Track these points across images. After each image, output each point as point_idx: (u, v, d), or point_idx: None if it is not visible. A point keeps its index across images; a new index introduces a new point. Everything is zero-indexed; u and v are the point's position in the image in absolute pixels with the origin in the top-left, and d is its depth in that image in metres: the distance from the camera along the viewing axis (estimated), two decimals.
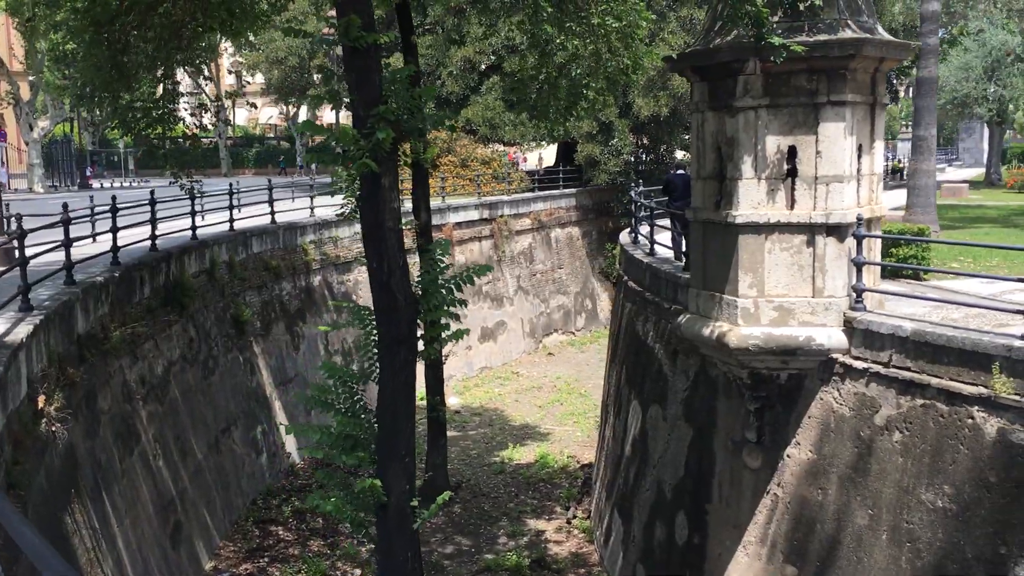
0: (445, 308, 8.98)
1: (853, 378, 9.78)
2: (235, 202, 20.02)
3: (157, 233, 15.92)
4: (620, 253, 18.35)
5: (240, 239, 19.63)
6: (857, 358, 9.77)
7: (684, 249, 15.53)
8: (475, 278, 9.10)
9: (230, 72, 70.23)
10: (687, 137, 41.51)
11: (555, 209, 35.67)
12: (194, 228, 17.71)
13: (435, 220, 27.95)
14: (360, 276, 25.11)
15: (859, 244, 9.99)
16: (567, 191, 37.24)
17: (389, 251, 8.19)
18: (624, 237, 19.06)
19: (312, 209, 23.85)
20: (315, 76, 45.64)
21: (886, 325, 9.41)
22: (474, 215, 31.07)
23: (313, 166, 61.08)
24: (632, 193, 20.49)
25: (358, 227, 25.32)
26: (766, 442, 10.83)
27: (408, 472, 8.65)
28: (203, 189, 15.69)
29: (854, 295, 10.01)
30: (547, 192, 35.90)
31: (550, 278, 35.05)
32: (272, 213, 21.75)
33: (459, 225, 29.67)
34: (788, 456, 10.54)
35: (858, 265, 9.99)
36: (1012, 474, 8.04)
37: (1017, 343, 8.14)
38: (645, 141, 39.23)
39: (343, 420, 8.26)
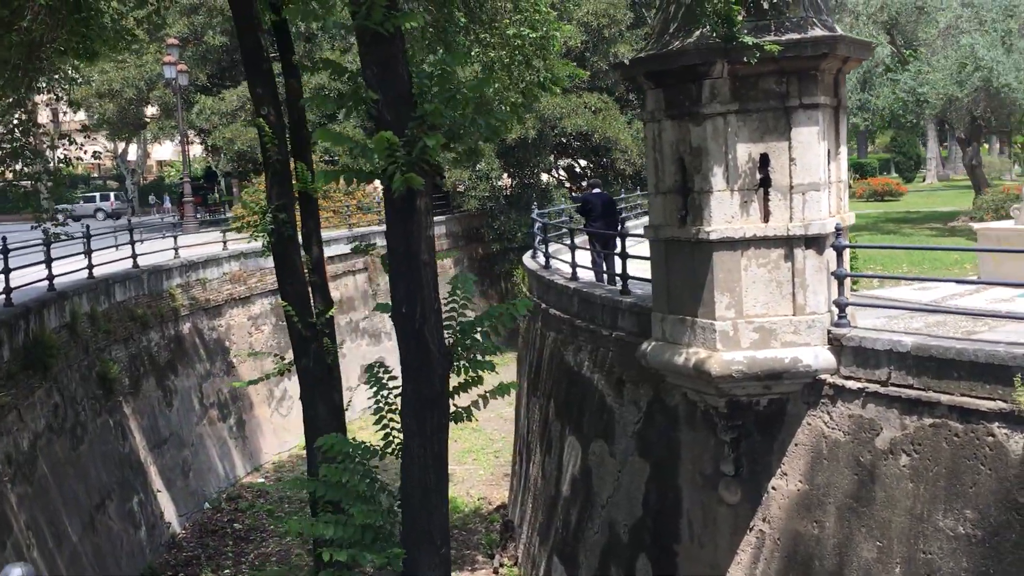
0: (481, 359, 7.61)
1: (846, 400, 9.07)
2: (91, 246, 17.82)
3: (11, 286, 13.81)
4: (529, 279, 17.36)
5: (102, 287, 17.49)
6: (849, 378, 9.08)
7: (604, 270, 14.75)
8: (498, 324, 7.66)
9: (47, 106, 65.47)
10: (559, 161, 41.27)
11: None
12: (51, 277, 15.55)
13: None
14: (232, 320, 23.16)
15: (839, 256, 9.34)
16: (437, 218, 36.03)
17: (424, 290, 6.75)
18: (530, 262, 18.09)
19: (176, 250, 21.76)
20: (151, 108, 42.84)
21: (881, 341, 8.76)
22: (345, 248, 29.45)
23: (165, 202, 57.56)
24: (535, 215, 19.62)
25: (226, 268, 23.40)
26: (744, 474, 10.00)
27: (445, 564, 7.17)
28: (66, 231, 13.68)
29: (836, 310, 9.33)
30: None
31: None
32: (134, 256, 19.61)
33: (331, 259, 27.92)
34: (773, 488, 9.73)
35: (840, 278, 9.33)
36: None
37: None
38: (511, 167, 38.53)
39: (362, 510, 6.76)
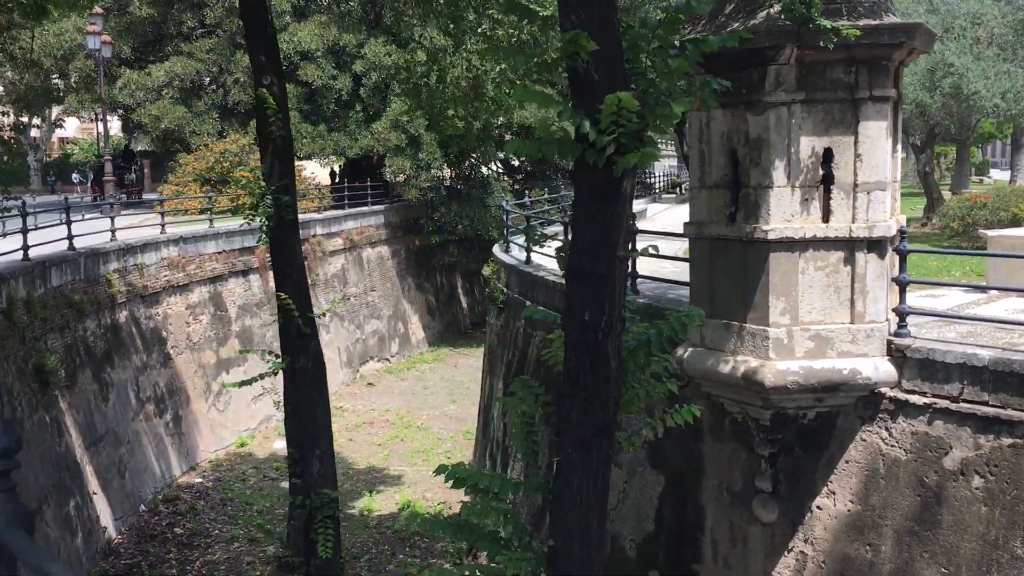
0: (661, 379, 6.55)
1: (909, 415, 8.47)
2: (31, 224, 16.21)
3: None
4: (506, 273, 16.47)
5: (38, 270, 15.90)
6: (912, 392, 8.48)
7: None
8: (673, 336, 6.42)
9: None
10: (500, 153, 40.32)
11: (365, 227, 33.17)
12: None
13: (245, 242, 24.92)
14: (170, 309, 21.63)
15: (902, 260, 8.74)
16: (376, 208, 34.85)
17: (616, 294, 5.77)
18: (506, 256, 17.19)
19: (113, 232, 20.13)
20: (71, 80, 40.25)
21: (953, 354, 8.17)
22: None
23: (88, 179, 54.50)
24: (505, 204, 18.74)
25: (165, 252, 21.82)
26: (783, 492, 9.34)
27: None
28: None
29: (896, 319, 8.73)
30: (358, 209, 33.30)
31: (363, 302, 32.49)
32: (70, 237, 17.98)
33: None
34: (818, 508, 9.09)
35: (902, 284, 8.72)
36: None
37: None
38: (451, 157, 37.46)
39: (511, 558, 5.73)
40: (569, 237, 6.44)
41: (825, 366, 8.55)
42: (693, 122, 9.28)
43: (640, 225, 14.87)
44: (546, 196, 29.68)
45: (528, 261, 15.71)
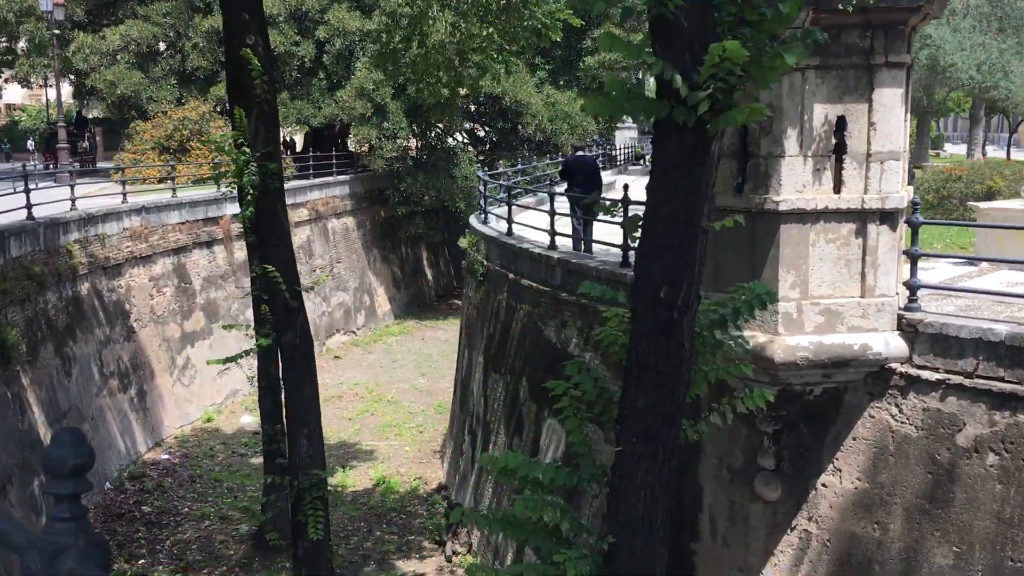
0: (734, 361, 6.10)
1: (920, 392, 8.28)
2: None
3: None
4: (487, 245, 16.07)
5: None
6: (923, 367, 8.28)
7: (582, 237, 13.72)
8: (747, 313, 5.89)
9: None
10: (473, 125, 39.70)
11: (331, 198, 32.50)
12: None
13: (209, 212, 24.23)
14: (132, 281, 20.94)
15: (914, 233, 8.51)
16: (341, 178, 34.15)
17: (696, 269, 5.06)
18: (485, 227, 16.79)
19: (73, 201, 19.36)
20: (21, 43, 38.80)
21: (968, 328, 7.98)
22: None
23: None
24: (481, 175, 18.32)
25: (127, 222, 21.07)
26: (787, 469, 9.14)
27: None
28: None
29: (907, 293, 8.52)
30: (323, 180, 32.58)
31: (329, 274, 31.86)
32: (29, 207, 17.24)
33: (237, 217, 25.77)
34: (823, 485, 8.90)
35: (913, 258, 8.51)
36: None
37: None
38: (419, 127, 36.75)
39: (571, 557, 5.28)
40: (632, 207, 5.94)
41: (835, 341, 8.32)
42: None
43: (614, 196, 14.58)
44: (520, 167, 29.21)
45: (509, 232, 15.33)
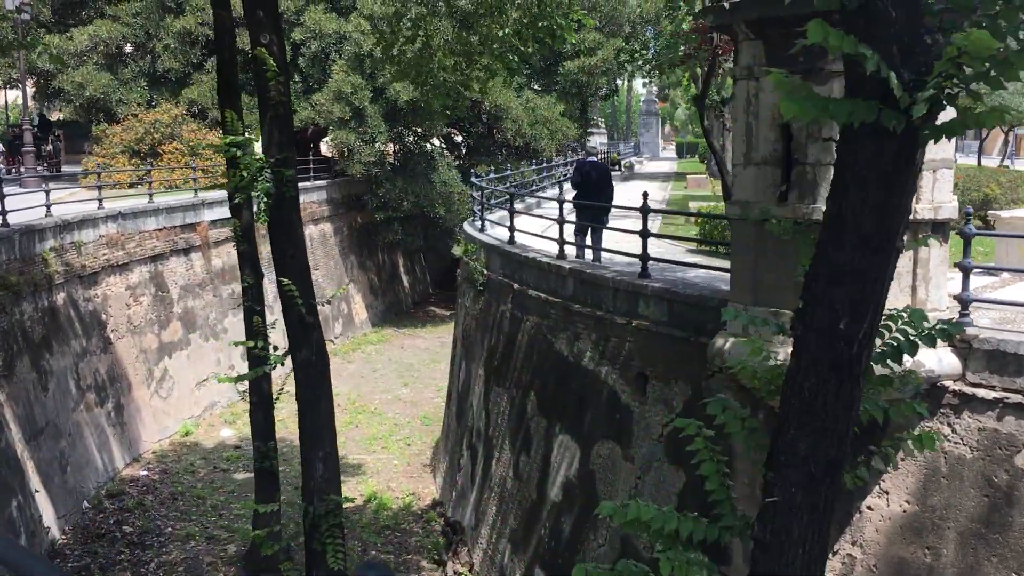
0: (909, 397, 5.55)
1: (975, 411, 7.91)
2: None
3: None
4: (487, 254, 15.56)
5: None
6: (979, 385, 7.92)
7: (590, 245, 13.31)
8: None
9: None
10: (449, 129, 39.08)
11: (308, 203, 31.73)
12: None
13: (187, 218, 23.51)
14: (109, 290, 20.16)
15: (967, 244, 8.17)
16: (318, 183, 33.46)
17: (881, 296, 4.61)
18: (484, 236, 16.28)
19: (48, 207, 18.57)
20: None
21: None
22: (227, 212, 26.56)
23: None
24: (475, 180, 17.83)
25: (103, 229, 20.30)
26: None
27: None
28: None
29: (959, 307, 8.17)
30: (300, 185, 31.78)
31: None
32: (3, 213, 16.46)
33: (215, 224, 25.10)
34: (868, 508, 8.51)
35: (966, 270, 8.16)
36: None
37: None
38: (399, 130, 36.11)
39: None
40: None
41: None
42: (739, 93, 8.54)
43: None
44: (507, 173, 28.72)
45: (512, 241, 14.85)
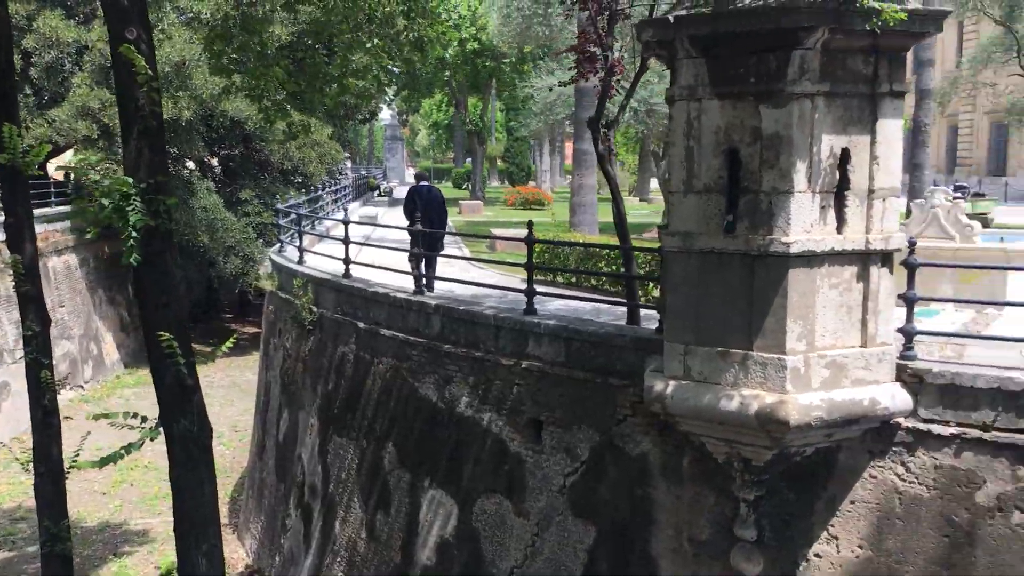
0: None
1: (930, 448, 7.63)
2: None
3: None
4: (314, 289, 13.93)
5: None
6: (932, 421, 7.66)
7: (424, 274, 12.31)
8: None
9: None
10: (217, 149, 36.07)
11: (51, 232, 28.06)
12: None
13: None
14: None
15: (911, 275, 7.91)
16: (62, 209, 29.67)
17: None
18: (298, 267, 14.65)
19: None
20: None
21: (984, 378, 7.44)
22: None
23: None
24: (281, 207, 16.14)
25: None
26: (769, 540, 8.20)
27: None
28: None
29: (903, 340, 7.90)
30: (41, 212, 28.03)
31: (52, 320, 27.39)
32: None
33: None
34: (816, 556, 8.03)
35: (910, 302, 7.90)
36: None
37: None
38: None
39: None
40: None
41: (845, 397, 7.48)
42: (677, 115, 7.84)
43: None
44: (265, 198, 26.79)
45: (347, 275, 13.38)
